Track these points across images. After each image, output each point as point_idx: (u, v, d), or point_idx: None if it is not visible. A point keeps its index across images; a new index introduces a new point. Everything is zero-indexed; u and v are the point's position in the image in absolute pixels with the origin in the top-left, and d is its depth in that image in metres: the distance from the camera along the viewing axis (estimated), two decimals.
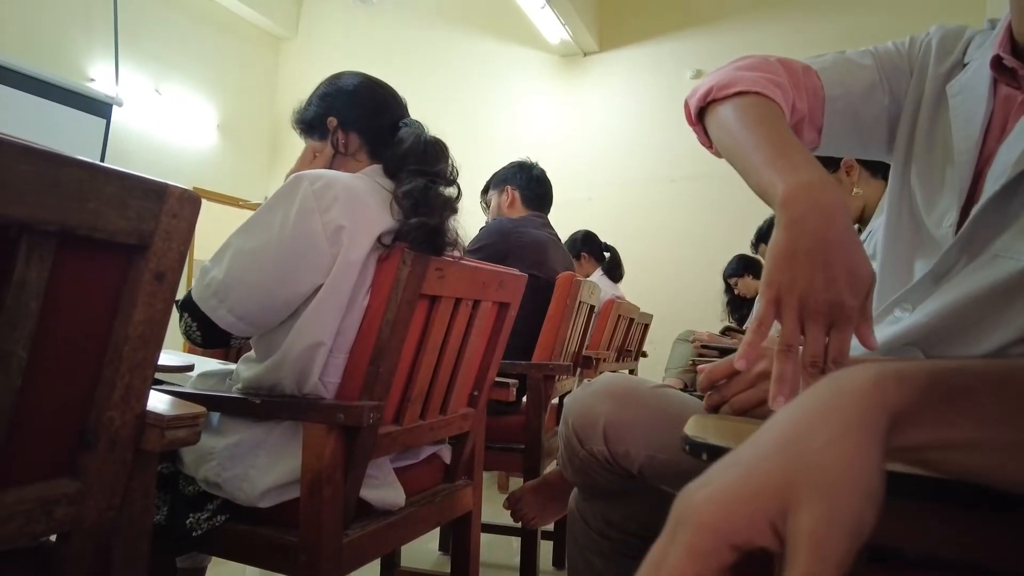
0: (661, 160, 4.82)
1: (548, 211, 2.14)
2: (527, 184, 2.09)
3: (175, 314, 0.93)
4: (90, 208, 0.55)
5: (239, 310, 0.96)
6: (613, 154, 4.97)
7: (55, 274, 0.55)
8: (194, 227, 0.66)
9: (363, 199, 1.00)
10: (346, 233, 0.95)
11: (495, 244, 1.85)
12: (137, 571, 0.65)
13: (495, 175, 2.17)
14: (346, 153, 1.16)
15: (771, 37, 4.49)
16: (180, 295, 0.78)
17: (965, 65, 0.75)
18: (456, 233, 1.08)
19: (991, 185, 0.64)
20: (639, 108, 4.92)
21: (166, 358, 1.11)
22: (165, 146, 5.03)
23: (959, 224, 0.68)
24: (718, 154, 0.76)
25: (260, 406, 0.98)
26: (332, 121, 1.16)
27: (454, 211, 1.09)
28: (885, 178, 1.53)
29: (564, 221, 3.56)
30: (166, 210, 0.63)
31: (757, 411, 0.62)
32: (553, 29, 4.61)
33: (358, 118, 1.16)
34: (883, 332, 0.73)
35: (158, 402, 0.68)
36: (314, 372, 0.98)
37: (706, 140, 0.78)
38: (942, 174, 0.72)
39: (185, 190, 0.65)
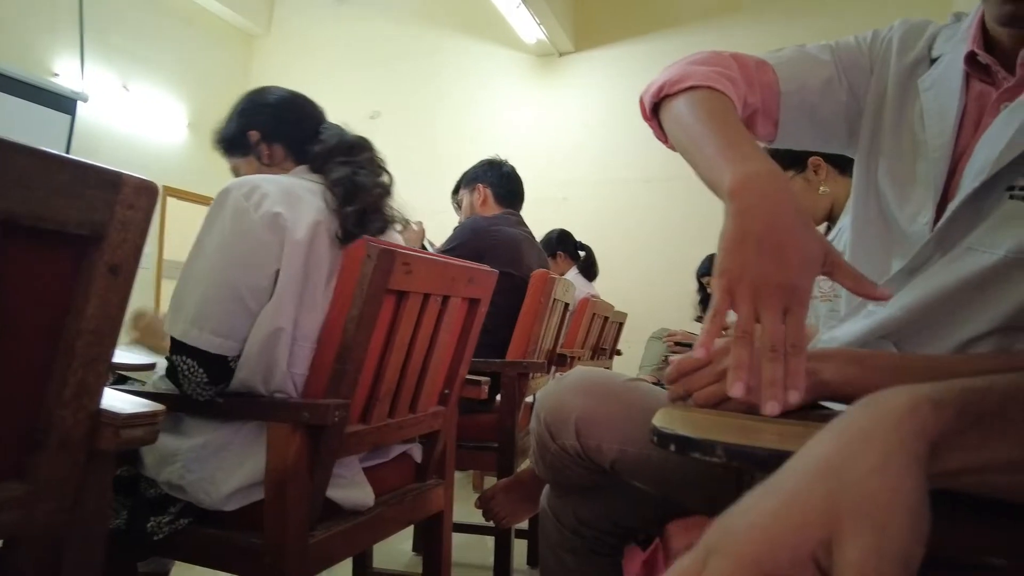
0: (636, 160, 4.84)
1: (520, 208, 2.14)
2: (499, 182, 2.08)
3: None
4: (38, 197, 0.53)
5: (222, 328, 0.95)
6: (588, 154, 4.98)
7: None
8: (150, 218, 0.64)
9: (293, 191, 1.02)
10: (283, 218, 0.97)
11: (470, 243, 1.85)
12: None
13: (465, 174, 2.16)
14: (272, 164, 1.18)
15: (745, 38, 4.54)
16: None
17: (934, 60, 0.75)
18: (393, 209, 1.14)
19: (969, 182, 0.65)
20: (614, 108, 4.94)
21: (128, 357, 1.08)
22: (134, 143, 4.92)
23: (935, 220, 0.69)
24: (674, 148, 0.76)
25: (223, 405, 0.96)
26: (254, 135, 1.17)
27: (388, 193, 1.13)
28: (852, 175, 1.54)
29: (539, 220, 3.56)
30: (121, 200, 0.61)
31: (724, 405, 0.62)
32: (528, 29, 4.61)
33: (281, 128, 1.17)
34: (858, 325, 0.73)
35: (115, 400, 0.66)
36: (279, 361, 0.97)
37: (662, 135, 0.79)
38: (913, 169, 0.73)
39: (142, 180, 0.63)
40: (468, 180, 2.13)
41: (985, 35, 0.69)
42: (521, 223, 2.07)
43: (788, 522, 0.28)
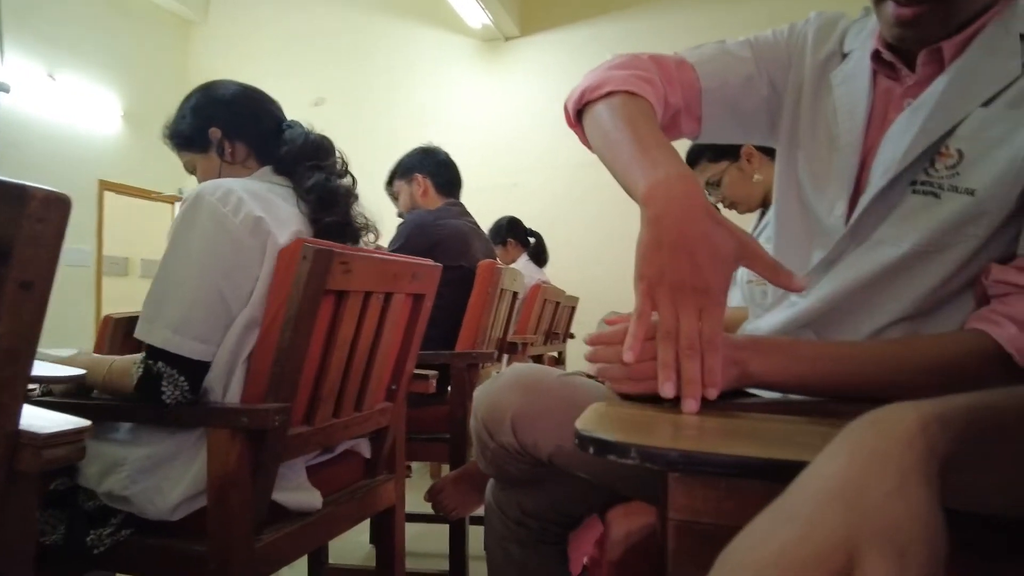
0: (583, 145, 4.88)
1: (460, 196, 2.10)
2: (437, 171, 2.03)
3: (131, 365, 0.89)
4: None
5: (204, 334, 0.94)
6: (537, 139, 4.98)
7: None
8: (63, 231, 0.62)
9: (266, 197, 1.02)
10: (265, 223, 0.97)
11: (416, 239, 1.81)
12: None
13: (399, 164, 2.07)
14: (234, 162, 1.16)
15: (689, 21, 4.59)
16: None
17: (845, 55, 0.78)
18: (365, 217, 1.16)
19: (877, 179, 0.68)
20: (561, 92, 4.94)
21: (54, 370, 1.05)
22: (63, 136, 4.69)
23: (848, 214, 0.72)
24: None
25: (163, 414, 0.94)
26: (215, 132, 1.15)
27: (355, 198, 1.14)
28: None
29: (488, 207, 3.56)
30: (28, 214, 0.58)
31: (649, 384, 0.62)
32: (474, 13, 4.56)
33: (242, 126, 1.15)
34: (780, 316, 0.76)
35: (35, 419, 0.63)
36: (242, 353, 0.96)
37: (585, 141, 0.80)
38: (828, 162, 0.76)
39: (51, 192, 0.60)
40: (404, 170, 2.04)
41: None
42: (465, 213, 2.03)
43: (810, 555, 0.27)
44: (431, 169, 2.02)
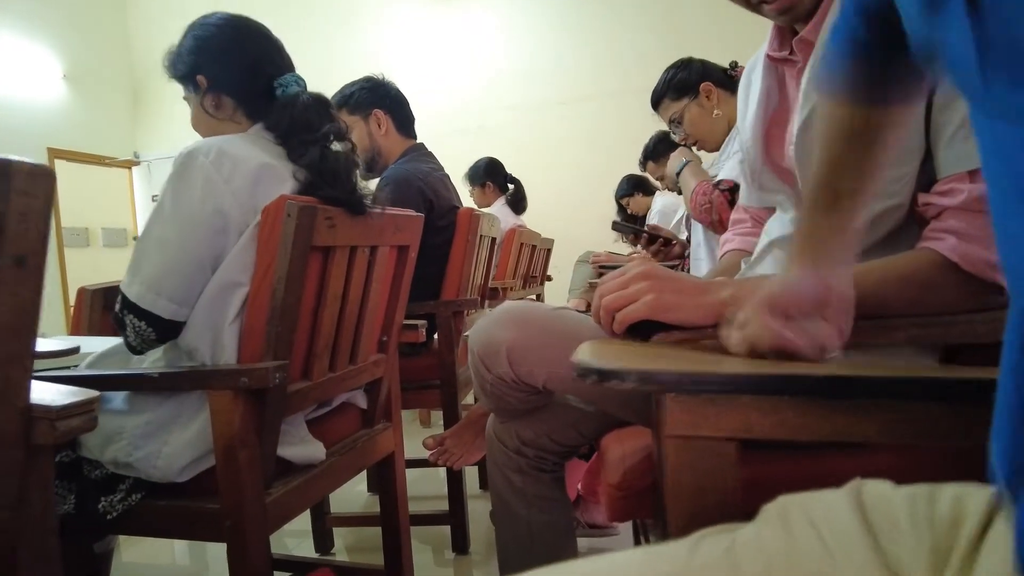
0: (549, 83, 4.80)
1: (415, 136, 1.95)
2: (395, 107, 1.83)
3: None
4: None
5: (178, 296, 0.95)
6: (502, 80, 4.90)
7: None
8: (51, 203, 0.62)
9: (261, 162, 0.99)
10: (256, 198, 0.97)
11: (413, 199, 1.68)
12: (50, 570, 0.63)
13: (347, 97, 1.81)
14: (219, 116, 1.10)
15: None
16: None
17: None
18: (368, 189, 1.10)
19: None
20: (525, 32, 4.83)
21: (48, 344, 1.04)
22: (4, 103, 4.47)
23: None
24: None
25: (159, 380, 0.95)
26: (202, 80, 1.09)
27: (356, 166, 1.08)
28: None
29: (458, 150, 3.52)
30: (15, 189, 0.58)
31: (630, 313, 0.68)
32: None
33: (229, 80, 1.09)
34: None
35: (45, 393, 0.64)
36: (229, 317, 0.96)
37: None
38: None
39: (35, 165, 0.60)
40: (356, 105, 1.80)
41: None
42: (431, 156, 1.91)
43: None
44: (390, 106, 1.82)
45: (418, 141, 1.93)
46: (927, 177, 0.69)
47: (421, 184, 1.73)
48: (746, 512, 0.40)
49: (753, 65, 0.94)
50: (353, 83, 1.85)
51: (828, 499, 0.37)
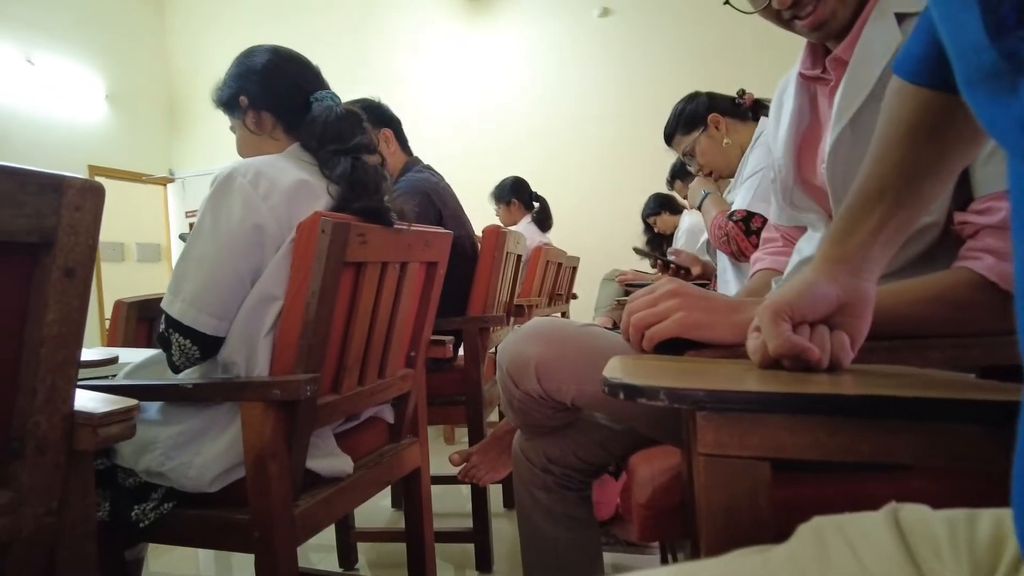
0: (575, 102, 4.83)
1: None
2: (397, 126, 1.94)
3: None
4: None
5: (219, 311, 0.97)
6: (528, 99, 4.94)
7: None
8: (100, 218, 0.64)
9: (298, 179, 1.02)
10: (293, 216, 0.99)
11: (430, 209, 1.75)
12: (87, 574, 0.64)
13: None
14: (260, 132, 1.16)
15: None
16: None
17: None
18: (396, 204, 1.13)
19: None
20: (547, 51, 4.88)
21: (87, 354, 1.08)
22: (46, 123, 4.62)
23: None
24: None
25: (193, 390, 0.97)
26: (243, 100, 1.16)
27: (385, 179, 1.12)
28: (755, 118, 1.67)
29: (487, 169, 3.55)
30: (67, 203, 0.60)
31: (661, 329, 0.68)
32: None
33: (268, 96, 1.16)
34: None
35: (87, 400, 0.66)
36: (264, 329, 0.98)
37: None
38: None
39: (86, 180, 0.62)
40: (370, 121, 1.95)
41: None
42: (432, 168, 1.98)
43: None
44: (393, 124, 1.93)
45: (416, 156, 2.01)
46: (963, 195, 0.68)
47: (430, 192, 1.80)
48: (778, 534, 0.40)
49: (785, 84, 0.95)
50: (354, 103, 1.94)
51: (865, 521, 0.36)
